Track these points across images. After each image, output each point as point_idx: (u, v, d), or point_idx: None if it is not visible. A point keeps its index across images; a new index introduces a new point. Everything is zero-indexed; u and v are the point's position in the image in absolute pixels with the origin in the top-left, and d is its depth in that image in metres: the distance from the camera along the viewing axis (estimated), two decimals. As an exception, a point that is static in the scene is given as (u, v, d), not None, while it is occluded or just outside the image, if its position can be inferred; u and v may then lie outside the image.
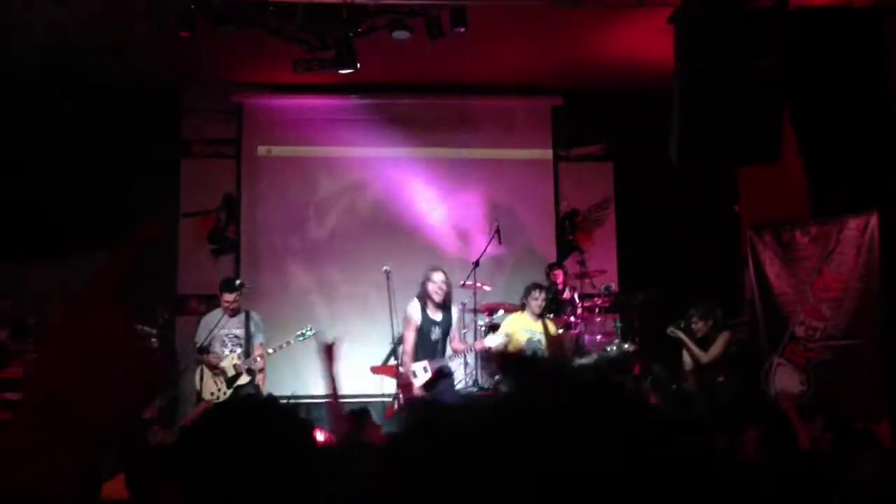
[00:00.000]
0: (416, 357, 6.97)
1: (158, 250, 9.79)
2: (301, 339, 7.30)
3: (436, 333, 6.92)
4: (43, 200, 9.34)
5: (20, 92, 9.10)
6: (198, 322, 7.72)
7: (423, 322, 6.89)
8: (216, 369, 7.12)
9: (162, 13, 7.25)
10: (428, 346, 6.91)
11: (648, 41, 8.23)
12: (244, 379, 7.06)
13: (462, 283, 8.96)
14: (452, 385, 7.02)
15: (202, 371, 7.27)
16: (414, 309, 6.92)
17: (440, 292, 6.82)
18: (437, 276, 6.89)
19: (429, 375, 6.84)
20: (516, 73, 9.80)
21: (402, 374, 6.99)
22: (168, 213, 9.91)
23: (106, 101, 9.57)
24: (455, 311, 7.19)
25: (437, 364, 6.86)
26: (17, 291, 8.73)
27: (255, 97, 10.14)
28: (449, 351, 7.05)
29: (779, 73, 6.52)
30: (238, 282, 7.91)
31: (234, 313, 7.31)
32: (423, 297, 6.92)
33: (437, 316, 6.94)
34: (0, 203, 9.09)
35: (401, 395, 7.04)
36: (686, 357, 7.86)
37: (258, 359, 7.13)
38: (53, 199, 9.42)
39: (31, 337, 7.88)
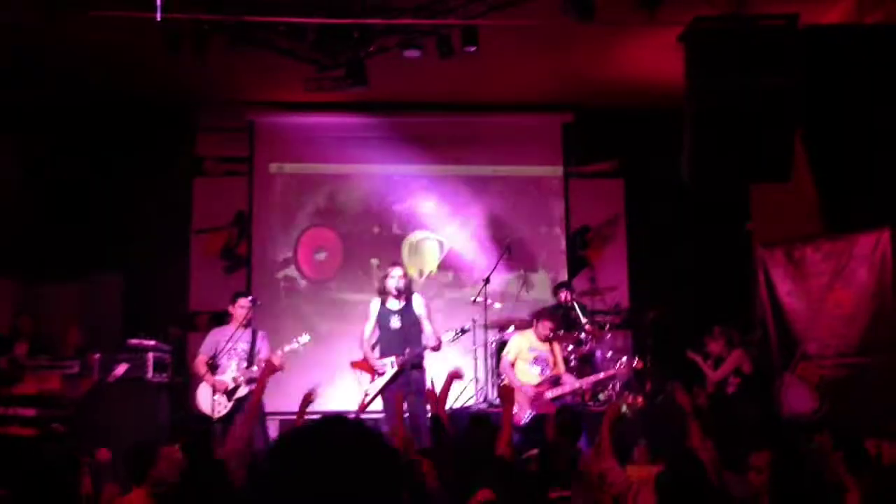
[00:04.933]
0: (382, 349, 7.25)
1: (170, 267, 9.87)
2: (298, 345, 7.25)
3: (395, 322, 7.23)
4: (55, 218, 9.43)
5: (36, 111, 9.20)
6: (204, 336, 7.66)
7: (380, 314, 7.28)
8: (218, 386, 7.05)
9: (176, 35, 7.32)
10: (389, 335, 7.23)
11: (659, 59, 8.25)
12: (243, 391, 7.03)
13: (473, 299, 9.00)
14: (422, 383, 7.06)
15: (202, 386, 7.18)
16: (373, 304, 7.37)
17: (397, 286, 7.23)
18: (394, 272, 7.31)
19: (395, 370, 7.12)
20: (527, 91, 9.84)
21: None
22: (180, 230, 9.99)
23: (120, 119, 9.67)
24: (419, 300, 7.33)
25: (402, 359, 7.10)
26: (34, 308, 8.79)
27: (267, 115, 10.22)
28: (425, 341, 7.18)
29: (790, 92, 6.51)
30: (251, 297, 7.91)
31: (245, 325, 7.24)
32: (382, 292, 7.32)
33: (396, 306, 7.26)
34: (12, 220, 9.16)
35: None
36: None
37: (254, 368, 7.04)
38: (66, 216, 9.50)
39: (46, 353, 7.91)
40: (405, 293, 7.27)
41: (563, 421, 5.38)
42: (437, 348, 7.16)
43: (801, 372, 7.82)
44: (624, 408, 7.60)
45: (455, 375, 5.84)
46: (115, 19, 6.95)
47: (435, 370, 7.60)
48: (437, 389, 5.78)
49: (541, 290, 10.04)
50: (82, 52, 8.34)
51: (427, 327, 7.22)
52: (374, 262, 10.11)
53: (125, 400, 7.50)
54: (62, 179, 9.54)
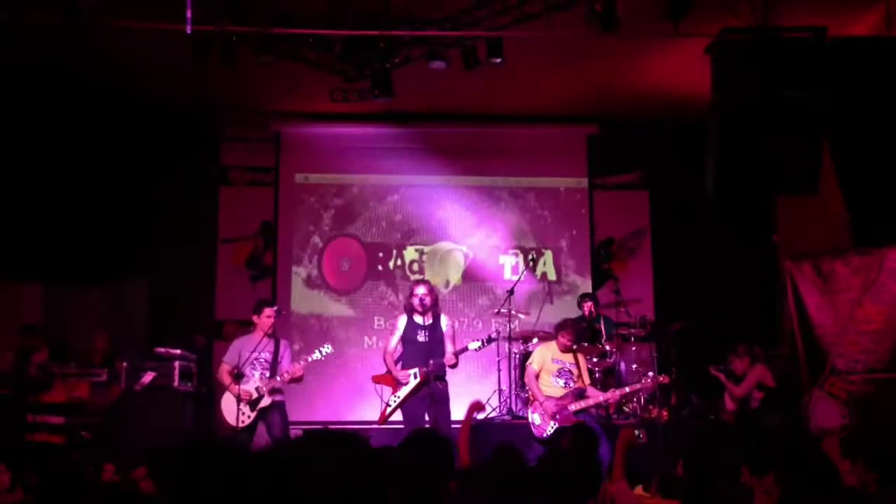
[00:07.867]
0: (405, 361, 7.25)
1: (196, 275, 9.95)
2: (320, 356, 7.25)
3: (422, 336, 7.25)
4: (83, 225, 9.54)
5: (63, 118, 9.33)
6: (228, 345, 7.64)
7: (407, 328, 7.29)
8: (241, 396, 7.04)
9: (204, 45, 7.39)
10: (415, 348, 7.24)
11: (685, 71, 8.22)
12: (266, 401, 7.03)
13: (497, 310, 8.98)
14: (445, 393, 7.16)
15: (226, 395, 7.16)
16: (401, 319, 7.40)
17: (422, 303, 7.25)
18: (419, 290, 7.34)
19: (418, 381, 7.12)
20: (552, 102, 9.84)
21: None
22: (206, 239, 10.07)
23: (147, 127, 9.78)
24: (446, 321, 7.36)
25: (426, 370, 7.10)
26: (56, 313, 8.89)
27: (293, 126, 10.29)
28: (448, 356, 7.19)
29: (817, 104, 6.44)
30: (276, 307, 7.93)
31: (269, 335, 7.23)
32: (409, 309, 7.34)
33: (422, 321, 7.29)
34: (40, 226, 9.28)
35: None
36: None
37: (278, 378, 7.05)
38: (93, 223, 9.61)
39: (74, 360, 7.97)
40: (432, 309, 7.30)
41: (577, 436, 5.37)
42: (453, 365, 7.21)
43: (829, 387, 7.73)
44: (637, 433, 7.56)
45: (476, 407, 5.82)
46: (143, 29, 7.04)
47: (457, 381, 7.63)
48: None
49: (566, 303, 10.03)
50: (110, 61, 8.45)
51: (449, 347, 7.26)
52: (398, 273, 10.15)
53: (152, 408, 7.55)
54: (90, 185, 9.64)
